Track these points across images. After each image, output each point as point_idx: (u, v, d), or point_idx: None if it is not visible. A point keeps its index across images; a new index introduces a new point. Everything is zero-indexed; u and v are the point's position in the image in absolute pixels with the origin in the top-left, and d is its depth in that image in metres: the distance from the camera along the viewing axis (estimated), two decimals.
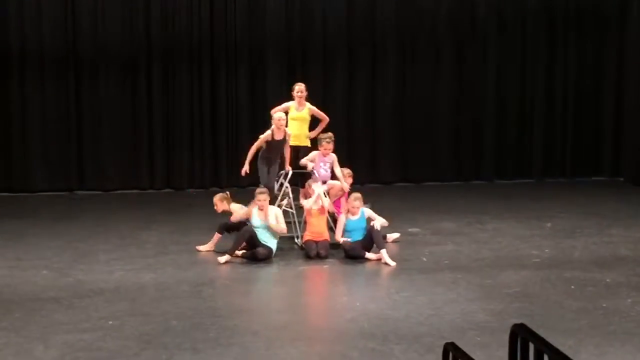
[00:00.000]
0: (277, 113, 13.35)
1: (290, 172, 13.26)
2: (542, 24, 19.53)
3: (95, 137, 18.21)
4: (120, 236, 13.76)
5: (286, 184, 13.28)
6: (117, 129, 18.22)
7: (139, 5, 18.21)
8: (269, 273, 11.76)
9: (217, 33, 18.47)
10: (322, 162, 13.22)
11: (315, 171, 13.13)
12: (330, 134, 13.40)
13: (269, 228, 12.11)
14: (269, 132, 13.14)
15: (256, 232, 12.05)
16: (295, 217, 13.20)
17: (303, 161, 13.35)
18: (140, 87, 18.39)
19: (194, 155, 18.43)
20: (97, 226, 14.44)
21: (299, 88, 13.81)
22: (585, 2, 19.56)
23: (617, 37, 19.41)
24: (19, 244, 13.19)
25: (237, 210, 12.59)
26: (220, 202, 12.95)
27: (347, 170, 13.46)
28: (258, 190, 12.30)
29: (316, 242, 12.41)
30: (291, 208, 13.26)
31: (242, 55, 18.57)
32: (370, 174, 18.83)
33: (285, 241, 13.07)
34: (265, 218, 12.07)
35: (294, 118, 13.69)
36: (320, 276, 11.72)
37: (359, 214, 12.42)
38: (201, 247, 12.64)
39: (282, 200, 13.30)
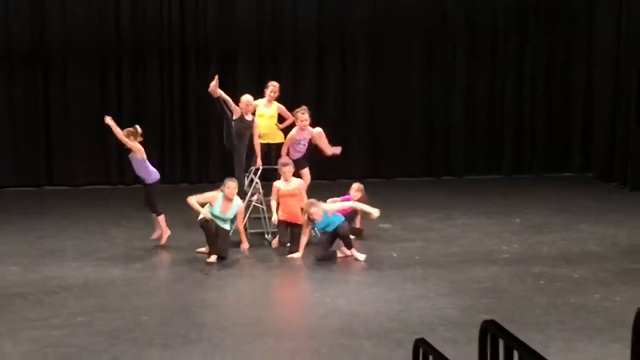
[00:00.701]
0: (244, 96, 13.25)
1: (261, 168, 13.25)
2: (511, 19, 19.58)
3: (64, 132, 18.08)
4: (89, 232, 13.69)
5: (256, 179, 13.25)
6: (86, 123, 18.06)
7: (109, 3, 18.11)
8: (239, 269, 11.75)
9: (188, 28, 18.39)
10: (299, 139, 13.20)
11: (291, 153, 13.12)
12: (304, 106, 13.37)
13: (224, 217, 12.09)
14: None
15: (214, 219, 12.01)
16: (265, 212, 13.18)
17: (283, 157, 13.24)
18: (110, 81, 18.27)
19: (164, 151, 18.34)
20: (66, 222, 14.36)
21: (274, 88, 13.78)
22: None
23: (586, 32, 19.49)
24: None
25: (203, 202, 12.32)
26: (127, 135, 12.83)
27: (356, 185, 13.37)
28: (229, 181, 12.17)
29: (290, 226, 12.43)
30: (261, 204, 13.24)
31: (212, 51, 18.51)
32: (342, 170, 18.82)
33: (256, 237, 13.06)
34: (226, 211, 11.99)
35: (261, 115, 13.64)
36: (291, 272, 11.72)
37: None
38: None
39: (252, 196, 13.28)
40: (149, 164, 12.81)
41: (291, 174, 12.66)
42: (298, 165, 13.17)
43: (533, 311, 9.50)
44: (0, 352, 8.19)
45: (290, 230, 12.44)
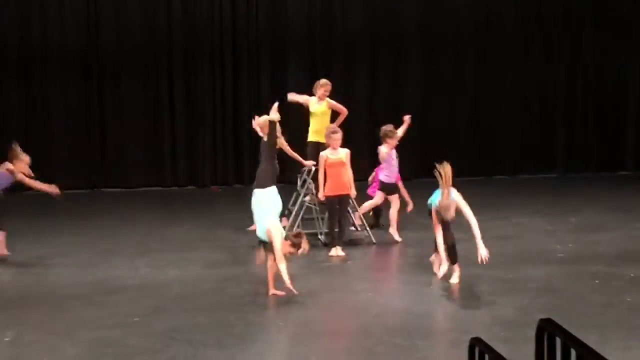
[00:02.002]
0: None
1: (313, 169, 13.23)
2: (564, 17, 19.47)
3: (119, 134, 18.30)
4: (144, 233, 13.83)
5: (309, 180, 13.28)
6: (140, 126, 18.30)
7: (161, 4, 18.28)
8: (293, 269, 11.77)
9: (239, 31, 18.53)
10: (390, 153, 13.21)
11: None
12: (391, 126, 13.24)
13: None
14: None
15: None
16: (319, 213, 13.20)
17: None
18: (163, 85, 18.48)
19: (217, 152, 18.47)
20: (121, 223, 14.52)
21: (327, 87, 13.74)
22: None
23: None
24: (44, 242, 13.28)
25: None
26: None
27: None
28: None
29: (339, 199, 12.44)
30: (314, 205, 13.25)
31: (264, 53, 18.62)
32: None
33: (309, 237, 13.07)
34: None
35: (314, 112, 13.67)
36: (344, 272, 11.73)
37: None
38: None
39: (305, 196, 13.31)
40: None
41: (339, 142, 12.44)
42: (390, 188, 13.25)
43: (588, 310, 9.41)
44: (58, 352, 8.29)
45: (338, 199, 12.44)
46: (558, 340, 4.13)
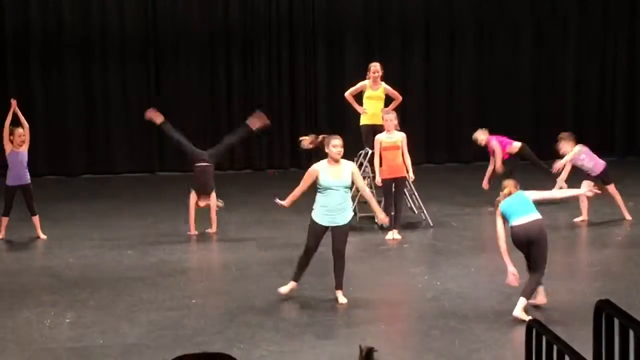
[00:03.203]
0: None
1: (370, 152, 13.22)
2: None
3: (176, 119, 18.39)
4: (202, 217, 13.93)
5: (366, 162, 13.29)
6: (197, 111, 18.42)
7: None
8: (348, 252, 11.80)
9: (296, 15, 18.56)
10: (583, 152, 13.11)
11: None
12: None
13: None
14: None
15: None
16: (375, 196, 13.19)
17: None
18: (219, 69, 18.58)
19: (274, 136, 18.53)
20: (179, 206, 14.61)
21: (375, 68, 13.74)
22: None
23: None
24: (103, 225, 13.45)
25: None
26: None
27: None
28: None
29: (394, 182, 12.41)
30: (371, 188, 13.24)
31: (320, 37, 18.65)
32: (449, 152, 18.83)
33: (365, 220, 13.11)
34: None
35: (369, 97, 13.66)
36: (400, 255, 11.73)
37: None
38: None
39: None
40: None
41: (394, 124, 12.41)
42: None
43: None
44: (118, 333, 8.42)
45: (394, 182, 12.41)
46: (616, 322, 4.11)
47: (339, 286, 9.38)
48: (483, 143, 14.27)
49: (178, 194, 15.74)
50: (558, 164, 13.03)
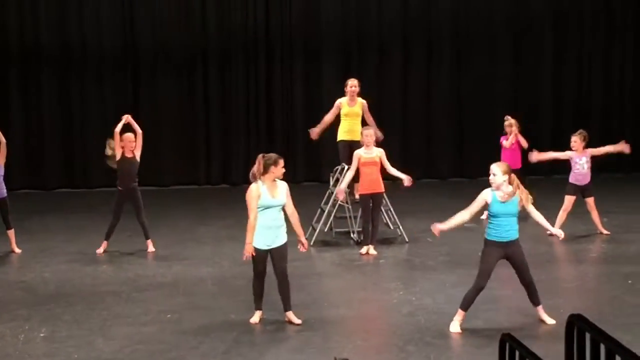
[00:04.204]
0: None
1: (346, 167, 13.24)
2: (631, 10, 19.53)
3: (153, 134, 18.41)
4: (178, 231, 13.92)
5: (342, 178, 13.31)
6: (175, 126, 18.43)
7: (195, 4, 18.41)
8: (324, 267, 11.83)
9: (273, 31, 18.62)
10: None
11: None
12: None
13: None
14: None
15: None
16: (351, 212, 13.23)
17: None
18: (197, 84, 18.60)
19: (250, 151, 18.54)
20: (154, 221, 14.59)
21: (352, 83, 13.75)
22: None
23: None
24: (79, 239, 13.43)
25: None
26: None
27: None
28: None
29: (372, 197, 12.44)
30: (347, 203, 13.28)
31: (298, 52, 18.70)
32: (426, 168, 18.89)
33: (341, 236, 13.14)
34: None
35: (346, 114, 13.66)
36: (376, 270, 11.75)
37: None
38: None
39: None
40: None
41: (373, 140, 12.49)
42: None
43: (621, 311, 9.38)
44: (93, 347, 8.38)
45: (371, 198, 12.45)
46: (587, 337, 4.14)
47: (287, 307, 9.23)
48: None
49: (153, 209, 15.73)
50: (593, 150, 13.57)
